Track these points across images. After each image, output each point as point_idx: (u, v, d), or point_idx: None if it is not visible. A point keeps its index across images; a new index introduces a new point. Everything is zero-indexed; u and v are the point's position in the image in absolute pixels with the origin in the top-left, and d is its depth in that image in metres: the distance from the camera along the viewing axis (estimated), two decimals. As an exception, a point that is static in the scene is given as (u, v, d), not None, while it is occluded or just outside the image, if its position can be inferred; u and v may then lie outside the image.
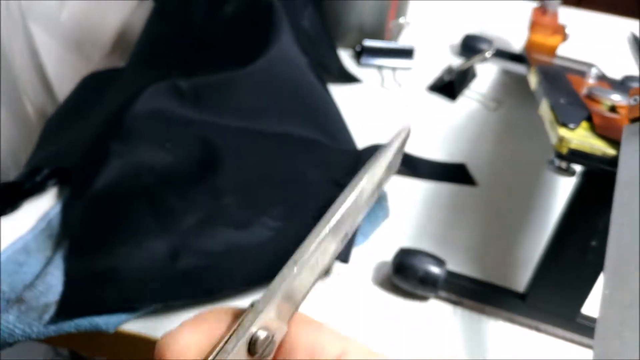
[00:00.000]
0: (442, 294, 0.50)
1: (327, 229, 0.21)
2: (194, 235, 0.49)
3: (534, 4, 0.82)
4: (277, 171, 0.57)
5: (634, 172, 0.36)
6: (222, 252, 0.48)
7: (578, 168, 0.43)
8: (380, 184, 0.24)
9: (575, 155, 0.41)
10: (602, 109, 0.48)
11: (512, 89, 0.83)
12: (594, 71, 0.59)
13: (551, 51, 0.78)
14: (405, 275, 0.49)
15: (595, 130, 0.43)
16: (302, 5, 0.75)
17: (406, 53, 0.85)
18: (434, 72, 0.83)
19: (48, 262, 0.47)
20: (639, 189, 0.34)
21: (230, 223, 0.50)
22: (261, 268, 0.47)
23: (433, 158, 0.68)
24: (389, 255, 0.51)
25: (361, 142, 0.66)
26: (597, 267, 0.44)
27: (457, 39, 0.90)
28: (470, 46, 0.87)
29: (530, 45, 0.78)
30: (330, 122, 0.67)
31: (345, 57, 0.85)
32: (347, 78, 0.80)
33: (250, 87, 0.62)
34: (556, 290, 0.47)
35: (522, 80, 0.78)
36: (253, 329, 0.19)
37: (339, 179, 0.56)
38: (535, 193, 0.65)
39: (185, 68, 0.65)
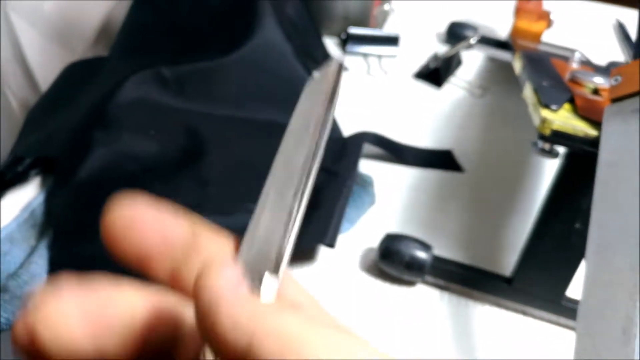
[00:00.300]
0: (429, 278, 0.50)
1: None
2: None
3: (519, -9, 0.82)
4: (261, 158, 0.57)
5: (614, 152, 0.36)
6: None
7: (561, 150, 0.44)
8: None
9: (558, 137, 0.41)
10: (585, 91, 0.48)
11: (498, 76, 0.83)
12: (577, 56, 0.59)
13: (536, 37, 0.78)
14: (392, 260, 0.49)
15: (578, 111, 0.43)
16: (287, -7, 0.75)
17: (391, 40, 0.85)
18: (420, 60, 0.83)
19: (32, 251, 0.47)
20: (619, 169, 0.35)
21: (215, 210, 0.50)
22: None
23: (419, 145, 0.68)
24: (375, 241, 0.51)
25: (347, 129, 0.66)
26: (581, 249, 0.44)
27: (443, 26, 0.90)
28: (455, 33, 0.87)
29: (515, 32, 0.78)
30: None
31: (331, 45, 0.85)
32: (333, 66, 0.79)
33: (234, 75, 0.62)
34: (542, 273, 0.47)
35: (507, 67, 0.78)
36: None
37: (324, 165, 0.56)
38: (521, 178, 0.66)
39: (169, 56, 0.65)
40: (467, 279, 0.50)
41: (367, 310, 0.48)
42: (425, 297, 0.50)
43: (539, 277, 0.47)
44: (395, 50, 0.85)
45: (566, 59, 0.60)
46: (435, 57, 0.81)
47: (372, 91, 0.77)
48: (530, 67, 0.55)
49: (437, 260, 0.49)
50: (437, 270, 0.49)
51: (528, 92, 0.48)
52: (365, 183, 0.60)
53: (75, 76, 0.67)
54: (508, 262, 0.52)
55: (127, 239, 0.20)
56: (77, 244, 0.46)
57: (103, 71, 0.66)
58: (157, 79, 0.59)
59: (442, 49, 0.84)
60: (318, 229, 0.49)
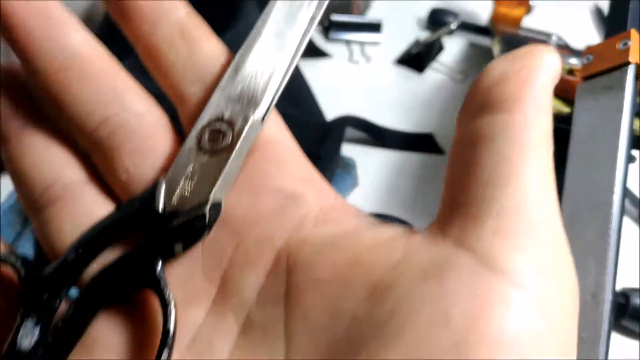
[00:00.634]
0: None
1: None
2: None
3: (498, -23, 0.83)
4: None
5: (586, 128, 0.37)
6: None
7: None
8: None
9: (533, 115, 0.43)
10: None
11: (478, 62, 0.84)
12: (554, 39, 0.61)
13: (515, 22, 0.79)
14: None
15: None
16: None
17: (374, 27, 0.86)
18: (402, 46, 0.84)
19: (18, 236, 0.47)
20: (590, 144, 0.36)
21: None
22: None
23: (401, 128, 0.69)
24: (357, 222, 0.52)
25: (330, 114, 0.66)
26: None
27: (424, 13, 0.91)
28: (436, 19, 0.88)
29: (495, 17, 0.80)
30: (298, 95, 0.68)
31: (313, 31, 0.85)
32: (316, 53, 0.80)
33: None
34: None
35: (487, 53, 0.79)
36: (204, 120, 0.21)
37: (308, 149, 0.57)
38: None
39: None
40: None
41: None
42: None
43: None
44: (378, 37, 0.85)
45: (544, 43, 0.61)
46: (416, 43, 0.82)
47: (355, 77, 0.78)
48: (508, 51, 0.56)
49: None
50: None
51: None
52: (348, 166, 0.61)
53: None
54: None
55: None
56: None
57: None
58: (140, 68, 0.60)
59: (424, 35, 0.85)
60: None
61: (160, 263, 0.20)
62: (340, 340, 0.17)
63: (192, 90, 0.22)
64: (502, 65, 0.19)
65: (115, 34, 0.23)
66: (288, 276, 0.19)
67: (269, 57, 0.22)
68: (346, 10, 0.87)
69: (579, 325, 0.17)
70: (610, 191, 0.34)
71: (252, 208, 0.21)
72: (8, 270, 0.21)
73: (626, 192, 0.35)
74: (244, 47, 0.22)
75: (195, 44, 0.22)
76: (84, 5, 0.84)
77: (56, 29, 0.21)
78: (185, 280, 0.20)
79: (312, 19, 0.22)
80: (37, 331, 0.20)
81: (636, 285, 0.51)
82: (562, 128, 0.42)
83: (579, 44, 0.74)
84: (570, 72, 0.50)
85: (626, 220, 0.51)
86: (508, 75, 0.18)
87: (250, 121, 0.21)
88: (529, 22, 0.82)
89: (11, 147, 0.22)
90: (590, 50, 0.39)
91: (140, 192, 0.21)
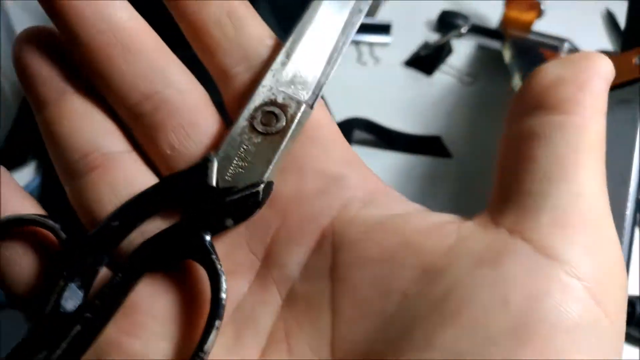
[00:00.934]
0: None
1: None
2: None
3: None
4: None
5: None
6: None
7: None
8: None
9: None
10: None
11: (487, 65, 0.84)
12: (566, 45, 0.60)
13: (526, 27, 0.79)
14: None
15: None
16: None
17: (383, 29, 0.86)
18: (411, 48, 0.84)
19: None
20: (605, 157, 0.36)
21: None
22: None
23: (409, 131, 0.69)
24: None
25: (338, 116, 0.66)
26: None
27: (434, 15, 0.91)
28: (446, 22, 0.88)
29: (505, 21, 0.79)
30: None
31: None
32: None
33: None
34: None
35: (497, 56, 0.79)
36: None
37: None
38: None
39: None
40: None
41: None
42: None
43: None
44: (387, 39, 0.85)
45: (555, 49, 0.61)
46: (426, 45, 0.82)
47: (363, 78, 0.78)
48: (519, 57, 0.56)
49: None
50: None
51: (517, 81, 0.49)
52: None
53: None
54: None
55: None
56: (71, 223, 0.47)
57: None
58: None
59: (433, 37, 0.85)
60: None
61: (209, 236, 0.21)
62: (391, 316, 0.18)
63: (238, 70, 0.23)
64: (557, 68, 0.19)
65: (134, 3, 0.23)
66: (334, 253, 0.20)
67: (318, 46, 0.23)
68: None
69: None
70: (624, 204, 0.34)
71: (297, 188, 0.22)
72: (47, 233, 0.22)
73: (639, 205, 0.35)
74: (294, 34, 0.23)
75: (241, 24, 0.22)
76: None
77: (104, 3, 0.22)
78: (229, 252, 0.21)
79: (360, 11, 0.23)
80: (80, 294, 0.21)
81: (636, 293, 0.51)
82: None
83: (589, 48, 0.74)
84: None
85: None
86: (565, 79, 0.19)
87: (302, 107, 0.22)
88: (540, 25, 0.81)
89: (49, 111, 0.22)
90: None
91: (185, 167, 0.22)
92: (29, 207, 0.22)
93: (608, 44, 0.81)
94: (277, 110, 0.22)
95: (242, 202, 0.21)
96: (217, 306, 0.19)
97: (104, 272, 0.22)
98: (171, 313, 0.21)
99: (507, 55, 0.61)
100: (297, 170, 0.22)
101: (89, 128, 0.22)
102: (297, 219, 0.21)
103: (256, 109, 0.22)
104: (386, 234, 0.20)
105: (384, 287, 0.19)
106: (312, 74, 0.22)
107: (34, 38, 0.22)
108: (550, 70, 0.19)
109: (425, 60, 0.80)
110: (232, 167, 0.21)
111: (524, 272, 0.17)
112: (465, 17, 0.88)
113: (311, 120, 0.22)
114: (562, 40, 0.63)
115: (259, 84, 0.22)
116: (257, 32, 0.23)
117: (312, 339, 0.19)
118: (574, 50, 0.61)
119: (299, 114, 0.22)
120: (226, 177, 0.21)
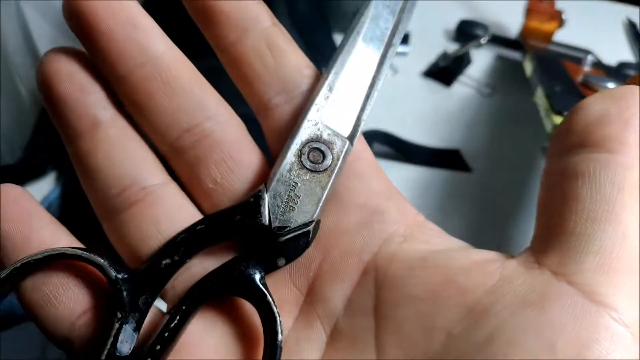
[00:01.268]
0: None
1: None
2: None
3: (530, -10, 0.81)
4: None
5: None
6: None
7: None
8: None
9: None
10: (597, 96, 0.48)
11: (507, 75, 0.83)
12: (590, 58, 0.59)
13: (547, 37, 0.78)
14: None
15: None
16: (298, -11, 0.75)
17: (402, 38, 0.85)
18: (430, 58, 0.83)
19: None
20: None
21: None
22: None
23: (428, 143, 0.68)
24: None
25: (356, 127, 0.66)
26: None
27: (453, 25, 0.90)
28: (465, 32, 0.87)
29: (526, 31, 0.78)
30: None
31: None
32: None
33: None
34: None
35: (517, 67, 0.78)
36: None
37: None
38: (530, 179, 0.66)
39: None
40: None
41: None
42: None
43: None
44: (405, 49, 0.85)
45: (578, 61, 0.60)
46: (444, 56, 0.81)
47: (381, 89, 0.77)
48: (541, 70, 0.55)
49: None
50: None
51: (540, 96, 0.48)
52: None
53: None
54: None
55: None
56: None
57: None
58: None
59: (452, 47, 0.84)
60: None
61: (261, 274, 0.21)
62: (435, 355, 0.18)
63: (277, 101, 0.22)
64: (600, 104, 0.19)
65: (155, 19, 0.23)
66: (377, 290, 0.20)
67: (358, 79, 0.23)
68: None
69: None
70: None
71: (338, 222, 0.22)
72: (94, 270, 0.21)
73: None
74: (336, 66, 0.23)
75: (281, 55, 0.22)
76: None
77: (143, 36, 0.21)
78: (273, 287, 0.21)
79: (393, 44, 0.25)
80: (135, 336, 0.20)
81: None
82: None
83: (610, 58, 0.73)
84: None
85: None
86: (609, 116, 0.19)
87: (347, 144, 0.22)
88: (560, 35, 0.80)
89: (83, 142, 0.22)
90: (630, 81, 0.38)
91: (228, 201, 0.22)
92: (63, 237, 0.22)
93: (629, 54, 0.79)
94: (323, 147, 0.22)
95: (294, 242, 0.21)
96: (275, 350, 0.19)
97: (153, 310, 0.21)
98: (224, 352, 0.21)
99: (528, 68, 0.60)
100: (338, 203, 0.22)
101: (126, 159, 0.22)
102: (339, 254, 0.21)
103: (303, 145, 0.22)
104: (429, 272, 0.20)
105: (428, 325, 0.19)
106: (352, 109, 0.23)
107: (61, 59, 0.22)
108: (592, 106, 0.19)
109: (444, 70, 0.79)
110: (282, 205, 0.21)
111: (571, 318, 0.17)
112: (484, 27, 0.87)
113: (351, 154, 0.22)
114: (585, 52, 0.62)
115: (304, 118, 0.22)
116: (295, 61, 0.23)
117: None
118: (597, 63, 0.60)
119: (344, 152, 0.22)
120: (278, 216, 0.21)
